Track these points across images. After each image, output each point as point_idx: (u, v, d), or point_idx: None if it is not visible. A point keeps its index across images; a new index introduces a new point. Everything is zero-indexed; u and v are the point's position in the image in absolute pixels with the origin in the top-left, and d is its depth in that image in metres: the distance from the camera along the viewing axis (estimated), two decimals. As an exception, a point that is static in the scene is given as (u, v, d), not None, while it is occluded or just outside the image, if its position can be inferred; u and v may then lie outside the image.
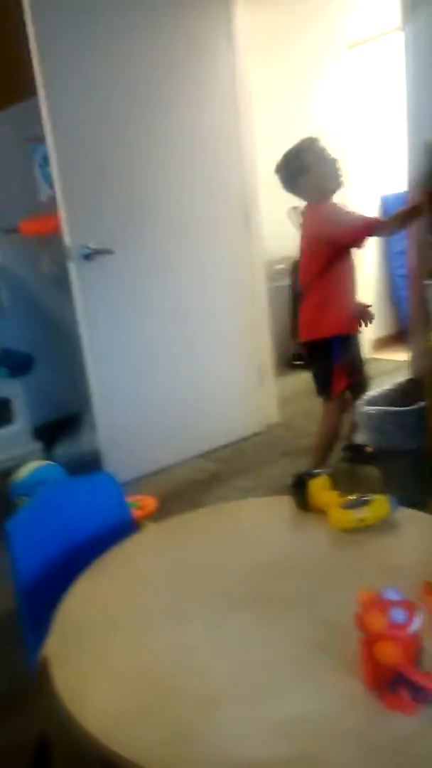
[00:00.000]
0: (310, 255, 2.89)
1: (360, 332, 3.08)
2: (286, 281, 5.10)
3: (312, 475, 1.38)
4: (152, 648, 1.02)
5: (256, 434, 4.00)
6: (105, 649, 1.04)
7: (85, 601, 1.18)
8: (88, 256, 3.10)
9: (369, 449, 3.06)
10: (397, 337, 5.36)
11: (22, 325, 3.98)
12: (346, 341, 2.96)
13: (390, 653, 0.80)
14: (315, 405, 3.36)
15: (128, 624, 1.10)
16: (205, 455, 3.77)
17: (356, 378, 3.06)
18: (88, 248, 3.09)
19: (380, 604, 0.84)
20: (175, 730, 0.85)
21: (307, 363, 3.24)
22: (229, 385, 3.92)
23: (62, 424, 4.03)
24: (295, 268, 4.98)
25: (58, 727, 1.19)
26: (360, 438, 2.81)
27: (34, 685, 1.90)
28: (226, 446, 3.88)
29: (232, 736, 0.83)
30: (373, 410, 2.66)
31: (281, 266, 5.02)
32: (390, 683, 0.81)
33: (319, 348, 2.94)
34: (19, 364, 3.52)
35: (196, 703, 0.89)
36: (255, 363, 4.07)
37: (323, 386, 3.00)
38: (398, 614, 0.82)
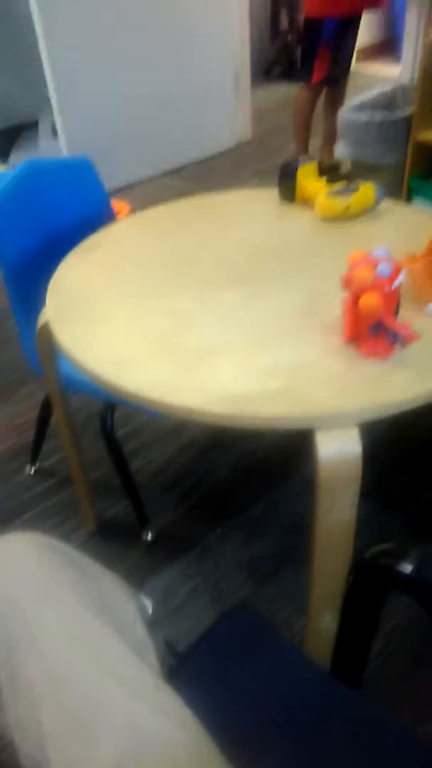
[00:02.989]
0: None
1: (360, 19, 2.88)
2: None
3: (300, 163, 1.35)
4: (149, 314, 1.09)
5: (227, 151, 3.80)
6: (103, 315, 1.10)
7: (77, 277, 1.22)
8: None
9: (345, 169, 2.98)
10: (384, 47, 4.83)
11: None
12: (342, 26, 2.75)
13: (374, 303, 0.88)
14: (291, 120, 3.16)
15: (122, 296, 1.16)
16: (174, 172, 3.60)
17: (338, 72, 2.92)
18: None
19: (369, 261, 0.89)
20: (176, 371, 0.95)
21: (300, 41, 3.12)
22: (201, 94, 3.58)
23: (17, 130, 3.70)
24: None
25: (60, 389, 1.33)
26: (338, 151, 2.69)
27: (22, 377, 2.05)
28: (196, 163, 3.69)
29: (227, 375, 0.94)
30: (356, 118, 2.51)
31: None
32: (370, 330, 0.91)
33: (312, 26, 2.77)
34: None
35: (194, 353, 0.99)
36: (231, 69, 3.67)
37: (304, 68, 2.94)
38: (385, 269, 0.88)
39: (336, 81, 3.00)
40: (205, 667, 0.80)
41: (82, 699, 0.62)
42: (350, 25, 2.83)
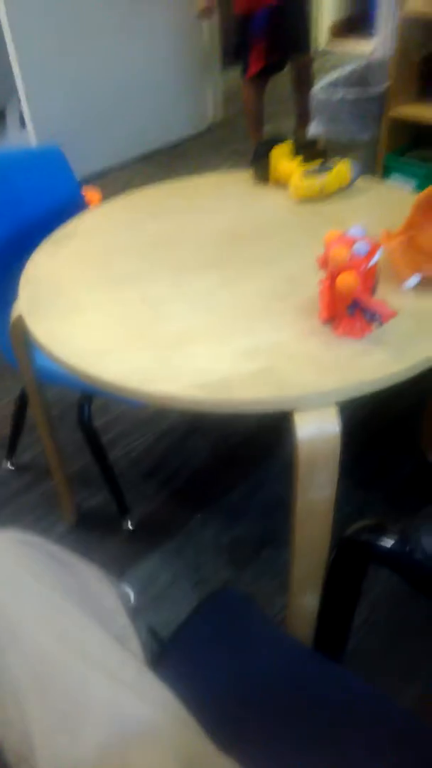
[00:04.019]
0: None
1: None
2: None
3: (274, 143, 1.33)
4: (124, 302, 1.08)
5: (200, 134, 3.76)
6: (77, 305, 1.08)
7: (50, 268, 1.20)
8: None
9: (320, 146, 2.96)
10: (357, 23, 4.79)
11: None
12: (273, 14, 2.73)
13: (350, 282, 0.87)
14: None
15: (96, 285, 1.14)
16: (146, 158, 3.55)
17: (277, 57, 2.90)
18: None
19: (345, 240, 0.89)
20: (153, 359, 0.94)
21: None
22: (171, 77, 3.53)
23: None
24: None
25: (36, 382, 1.31)
26: (312, 130, 2.67)
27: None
28: (168, 148, 3.65)
29: (204, 361, 0.93)
30: (329, 96, 2.49)
31: None
32: (347, 309, 0.90)
33: (242, 21, 2.78)
34: None
35: (171, 340, 0.98)
36: (199, 52, 3.62)
37: (242, 63, 2.91)
38: (361, 248, 0.87)
39: (279, 67, 2.95)
40: (188, 652, 0.80)
41: (65, 690, 0.61)
42: (283, 10, 2.75)
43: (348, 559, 0.72)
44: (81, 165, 1.56)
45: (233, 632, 0.81)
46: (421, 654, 1.24)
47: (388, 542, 0.65)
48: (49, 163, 1.43)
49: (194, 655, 0.79)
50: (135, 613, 0.84)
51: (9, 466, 1.77)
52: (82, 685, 0.61)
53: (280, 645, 0.79)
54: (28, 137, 3.12)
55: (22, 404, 1.65)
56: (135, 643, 0.74)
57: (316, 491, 0.89)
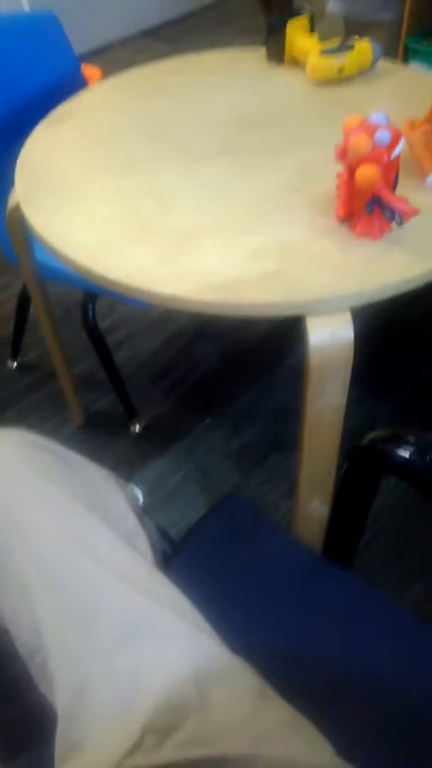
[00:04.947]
0: None
1: None
2: None
3: (290, 16, 1.20)
4: (127, 193, 1.01)
5: (209, 6, 3.44)
6: (79, 195, 1.02)
7: (48, 151, 1.12)
8: None
9: (338, 24, 2.70)
10: None
11: None
12: None
13: (371, 176, 0.80)
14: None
15: (98, 172, 1.06)
16: (150, 32, 3.28)
17: None
18: None
19: (366, 128, 0.81)
20: (159, 257, 0.89)
21: None
22: None
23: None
24: None
25: (37, 278, 1.26)
26: (329, 7, 2.42)
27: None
28: (174, 22, 3.36)
29: (213, 260, 0.88)
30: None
31: None
32: (366, 206, 0.84)
33: None
34: None
35: (177, 236, 0.92)
36: None
37: None
38: (383, 137, 0.80)
39: None
40: (198, 555, 0.81)
41: (76, 589, 0.62)
42: None
43: (361, 469, 0.72)
44: (78, 40, 1.42)
45: (242, 537, 0.82)
46: (423, 560, 1.28)
47: (405, 452, 0.64)
48: (43, 32, 1.30)
49: (204, 558, 0.81)
50: (144, 513, 0.85)
51: (13, 365, 1.76)
52: (92, 583, 0.62)
53: (288, 550, 0.81)
54: (20, 3, 2.86)
55: (23, 301, 1.61)
56: (145, 545, 0.75)
57: (326, 399, 0.87)
